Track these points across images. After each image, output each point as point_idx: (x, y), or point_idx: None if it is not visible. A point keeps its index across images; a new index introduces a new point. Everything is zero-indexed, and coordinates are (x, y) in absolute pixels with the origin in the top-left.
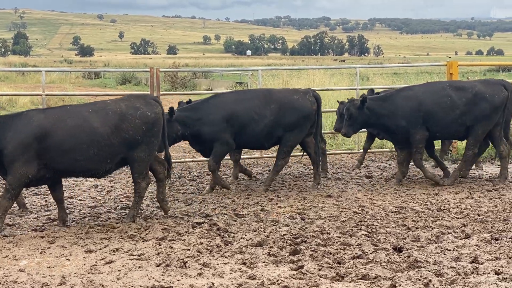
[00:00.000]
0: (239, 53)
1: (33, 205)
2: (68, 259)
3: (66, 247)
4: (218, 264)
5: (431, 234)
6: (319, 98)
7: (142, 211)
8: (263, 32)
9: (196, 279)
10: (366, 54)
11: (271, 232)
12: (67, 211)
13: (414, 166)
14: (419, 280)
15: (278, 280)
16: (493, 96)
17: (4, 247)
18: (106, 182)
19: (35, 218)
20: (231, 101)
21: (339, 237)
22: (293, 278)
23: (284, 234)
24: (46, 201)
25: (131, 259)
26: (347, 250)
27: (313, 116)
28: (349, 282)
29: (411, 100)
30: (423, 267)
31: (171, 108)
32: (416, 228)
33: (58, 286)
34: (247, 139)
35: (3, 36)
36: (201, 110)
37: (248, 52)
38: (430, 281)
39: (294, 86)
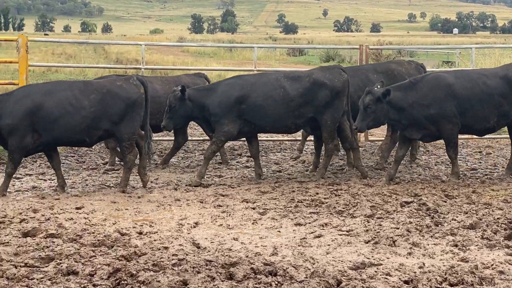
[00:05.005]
0: (445, 31)
1: (244, 177)
2: (279, 231)
3: (276, 219)
4: (428, 245)
5: None
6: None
7: (350, 188)
8: (471, 9)
9: (406, 258)
10: None
11: (483, 215)
12: (277, 184)
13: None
14: None
15: (492, 265)
16: (333, 81)
17: (218, 216)
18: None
19: (246, 190)
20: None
21: None
22: (509, 264)
23: (498, 218)
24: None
25: (340, 235)
26: None
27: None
28: None
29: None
30: None
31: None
32: None
33: (270, 256)
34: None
35: (212, 14)
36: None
37: (455, 30)
38: None
39: None
